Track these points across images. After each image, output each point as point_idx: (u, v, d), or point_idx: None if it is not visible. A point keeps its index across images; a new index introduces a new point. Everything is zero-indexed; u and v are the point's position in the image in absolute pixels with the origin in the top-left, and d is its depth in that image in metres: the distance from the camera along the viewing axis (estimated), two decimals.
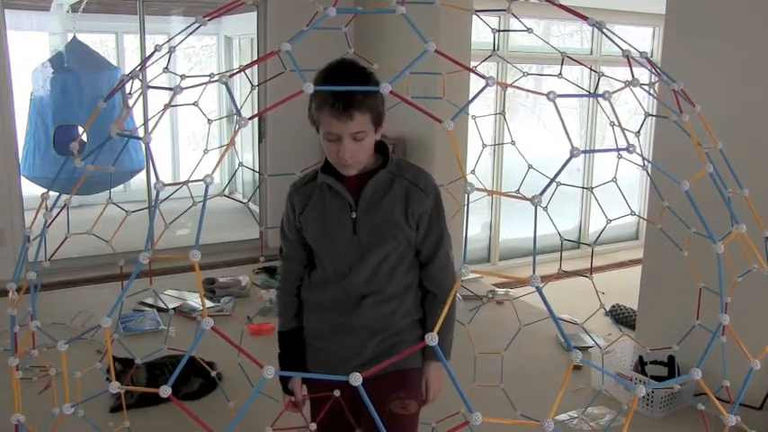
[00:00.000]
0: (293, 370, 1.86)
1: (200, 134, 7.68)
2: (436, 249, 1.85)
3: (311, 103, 1.66)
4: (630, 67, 1.27)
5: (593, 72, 3.08)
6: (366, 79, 1.65)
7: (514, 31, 5.22)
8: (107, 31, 7.01)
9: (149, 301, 4.35)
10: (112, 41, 7.14)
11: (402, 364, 1.84)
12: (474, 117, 2.91)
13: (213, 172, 0.87)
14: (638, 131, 2.27)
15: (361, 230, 1.80)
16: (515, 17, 2.20)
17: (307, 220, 1.86)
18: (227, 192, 5.21)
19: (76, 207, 5.86)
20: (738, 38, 3.09)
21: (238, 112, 0.87)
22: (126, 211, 2.11)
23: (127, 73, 1.15)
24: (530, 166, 2.72)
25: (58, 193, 1.53)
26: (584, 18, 1.10)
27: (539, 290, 0.81)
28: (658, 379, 3.19)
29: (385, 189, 1.78)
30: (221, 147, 5.40)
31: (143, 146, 0.98)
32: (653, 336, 3.50)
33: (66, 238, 1.86)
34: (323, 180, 1.81)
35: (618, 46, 1.22)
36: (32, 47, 6.27)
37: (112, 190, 2.26)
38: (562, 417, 3.10)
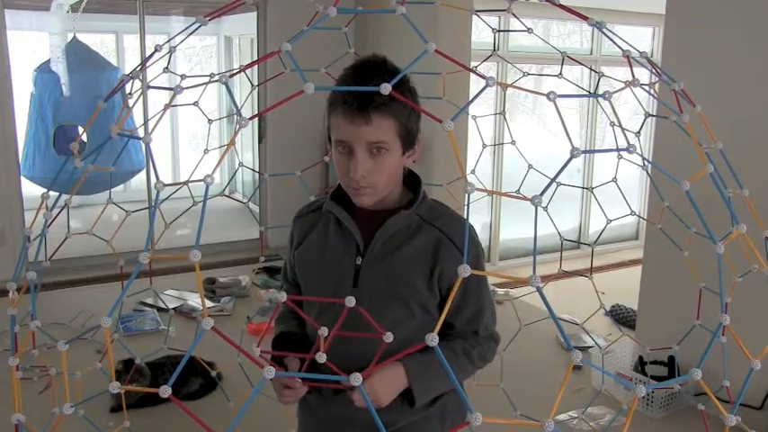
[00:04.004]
0: (289, 345, 1.46)
1: (200, 134, 7.69)
2: (473, 328, 1.41)
3: (326, 107, 1.33)
4: (630, 67, 1.27)
5: (593, 72, 3.08)
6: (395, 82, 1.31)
7: (514, 31, 5.22)
8: (107, 31, 7.02)
9: (149, 301, 4.35)
10: (112, 41, 7.14)
11: None
12: (474, 117, 2.91)
13: (213, 172, 0.87)
14: (639, 131, 2.27)
15: (364, 284, 1.37)
16: (515, 17, 2.20)
17: (301, 259, 1.46)
18: (227, 192, 5.21)
19: (76, 207, 5.86)
20: (738, 38, 3.09)
21: (238, 112, 0.87)
22: (126, 211, 2.11)
23: (127, 73, 1.15)
24: (530, 167, 2.72)
25: (58, 193, 1.53)
26: (585, 18, 1.10)
27: (539, 290, 0.81)
28: (658, 379, 3.19)
29: (407, 236, 1.36)
30: (221, 147, 5.40)
31: (143, 146, 0.98)
32: (653, 336, 3.50)
33: (66, 238, 1.86)
34: (329, 209, 1.41)
35: (618, 46, 1.22)
36: (32, 47, 6.27)
37: (112, 190, 2.25)
38: (562, 417, 3.10)
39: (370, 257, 1.37)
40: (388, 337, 1.13)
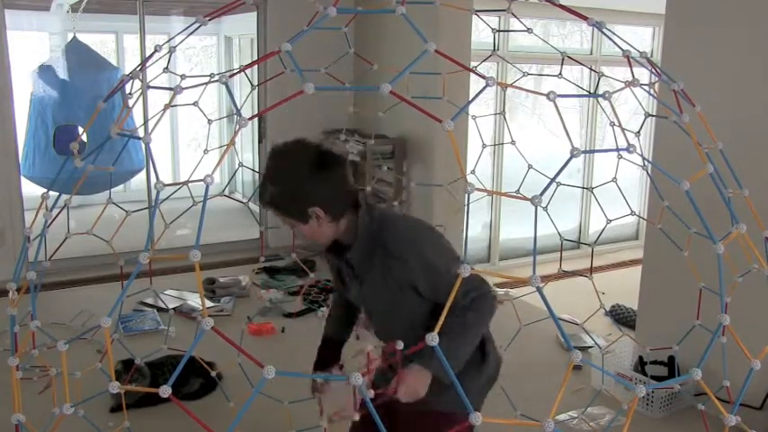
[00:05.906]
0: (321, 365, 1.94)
1: (200, 134, 7.68)
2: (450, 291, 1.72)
3: None
4: (630, 67, 1.27)
5: (593, 72, 3.08)
6: (266, 181, 1.66)
7: (514, 31, 5.22)
8: (107, 31, 7.01)
9: (149, 301, 4.35)
10: (112, 41, 7.13)
11: (423, 406, 1.69)
12: (474, 117, 2.91)
13: (213, 172, 0.87)
14: (639, 131, 2.27)
15: (363, 291, 1.84)
16: (515, 17, 2.20)
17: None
18: (227, 192, 5.20)
19: (76, 207, 5.86)
20: (738, 38, 3.09)
21: (238, 113, 0.87)
22: (126, 211, 2.11)
23: (127, 73, 1.15)
24: (530, 166, 2.72)
25: (58, 193, 1.53)
26: (584, 18, 1.10)
27: (539, 290, 0.81)
28: (658, 379, 3.19)
29: (367, 263, 1.75)
30: (221, 147, 5.40)
31: (143, 146, 0.98)
32: (653, 336, 3.50)
33: (66, 238, 1.86)
34: (327, 255, 1.87)
35: (618, 46, 1.22)
36: (32, 47, 6.26)
37: (112, 190, 2.25)
38: (562, 417, 3.10)
39: (359, 275, 1.79)
40: (399, 345, 1.53)
